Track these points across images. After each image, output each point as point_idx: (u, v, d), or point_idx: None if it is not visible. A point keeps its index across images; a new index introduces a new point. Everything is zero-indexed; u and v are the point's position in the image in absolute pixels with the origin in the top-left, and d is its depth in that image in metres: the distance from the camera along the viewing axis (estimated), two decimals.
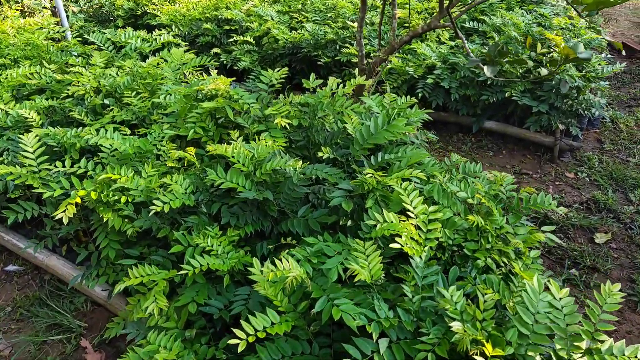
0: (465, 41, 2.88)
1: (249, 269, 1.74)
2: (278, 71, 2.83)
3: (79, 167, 2.24)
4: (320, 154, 2.38)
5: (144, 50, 3.87)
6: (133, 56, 3.78)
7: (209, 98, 2.70)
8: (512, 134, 4.18)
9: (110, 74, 3.32)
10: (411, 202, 1.89)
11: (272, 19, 5.48)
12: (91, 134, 2.27)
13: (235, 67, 5.17)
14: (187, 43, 4.50)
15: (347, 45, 4.71)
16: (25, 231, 2.96)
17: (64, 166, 2.26)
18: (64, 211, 2.09)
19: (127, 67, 3.43)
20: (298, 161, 2.22)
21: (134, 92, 2.96)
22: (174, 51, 3.35)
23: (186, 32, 5.80)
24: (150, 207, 1.99)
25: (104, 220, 2.17)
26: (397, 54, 4.42)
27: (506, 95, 3.95)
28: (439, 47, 4.45)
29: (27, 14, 5.84)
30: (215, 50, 5.43)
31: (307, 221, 2.04)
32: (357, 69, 3.75)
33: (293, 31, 5.20)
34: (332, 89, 2.65)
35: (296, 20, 5.58)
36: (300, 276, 1.60)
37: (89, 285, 2.28)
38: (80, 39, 4.13)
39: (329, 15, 5.39)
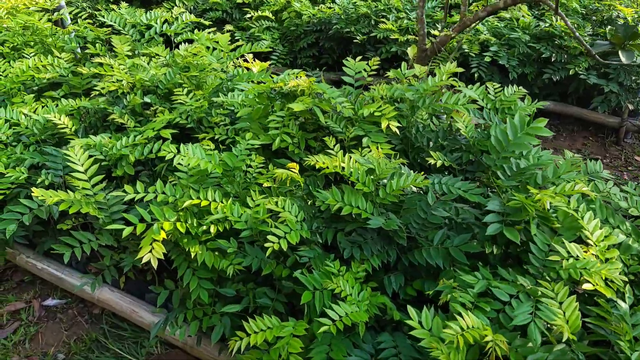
0: (567, 20, 2.53)
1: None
2: (361, 60, 2.42)
3: (156, 192, 1.81)
4: (431, 161, 2.03)
5: (168, 33, 3.36)
6: (159, 41, 3.27)
7: (284, 95, 2.28)
8: (571, 114, 3.89)
9: (141, 65, 2.83)
10: (587, 225, 1.57)
11: None
12: (170, 151, 1.84)
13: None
14: (211, 23, 3.98)
15: (383, 20, 4.28)
16: (60, 255, 2.52)
17: (136, 192, 1.83)
18: (150, 251, 1.69)
19: (162, 56, 2.94)
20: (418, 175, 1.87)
21: (185, 90, 2.50)
22: (220, 37, 2.88)
23: (192, 7, 5.23)
24: (266, 245, 1.61)
25: (192, 255, 1.78)
26: (442, 29, 4.03)
27: (570, 72, 3.64)
28: (487, 20, 4.08)
29: None
30: (228, 27, 4.90)
31: (446, 250, 1.70)
32: (409, 48, 3.35)
33: (320, 5, 4.71)
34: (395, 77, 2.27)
35: None
36: (502, 341, 1.28)
37: (174, 333, 1.90)
38: (91, 21, 3.56)
39: None
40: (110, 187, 2.21)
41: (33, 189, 1.87)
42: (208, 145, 1.98)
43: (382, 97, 2.27)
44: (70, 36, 3.43)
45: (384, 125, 1.99)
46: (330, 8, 4.51)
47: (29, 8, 3.87)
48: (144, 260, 1.67)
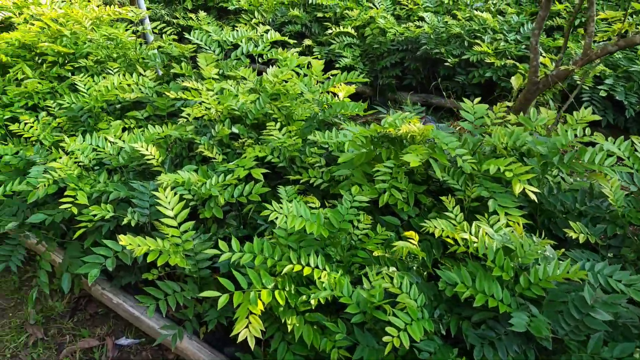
0: None
1: None
2: (473, 100, 2.11)
3: (252, 253, 1.60)
4: (570, 234, 1.70)
5: (254, 53, 3.18)
6: (246, 62, 3.11)
7: (390, 140, 2.02)
8: None
9: (229, 90, 2.66)
10: None
11: (376, 7, 4.70)
12: (273, 210, 1.61)
13: (335, 64, 4.43)
14: (294, 41, 3.79)
15: (477, 41, 3.93)
16: (137, 291, 2.38)
17: (230, 249, 1.63)
18: (247, 325, 1.48)
19: (249, 80, 2.76)
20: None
21: (278, 124, 2.29)
22: (313, 62, 2.66)
23: (270, 19, 5.08)
24: (385, 339, 1.36)
25: (288, 327, 1.56)
26: (545, 55, 3.63)
27: None
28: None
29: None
30: (307, 42, 4.71)
31: None
32: (513, 77, 3.01)
33: (408, 23, 4.41)
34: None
35: (401, 6, 4.78)
36: None
37: None
38: (176, 37, 3.45)
39: (445, 2, 4.57)
40: (198, 229, 2.03)
41: (120, 236, 1.71)
42: (313, 202, 1.75)
43: (504, 147, 1.95)
44: (154, 52, 3.33)
45: (517, 189, 1.68)
46: (419, 27, 4.21)
47: (111, 17, 3.83)
48: (240, 338, 1.46)
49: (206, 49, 3.14)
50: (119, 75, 2.92)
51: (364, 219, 1.71)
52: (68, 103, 2.84)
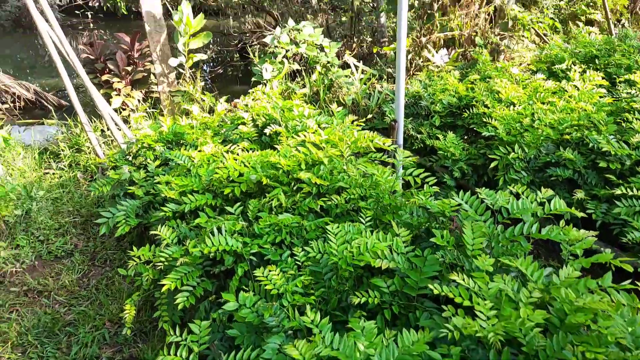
0: None
1: None
2: None
3: None
4: None
5: (534, 237, 2.51)
6: (527, 248, 2.46)
7: None
8: None
9: (506, 296, 2.04)
10: None
11: None
12: None
13: (615, 231, 3.45)
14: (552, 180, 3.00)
15: None
16: None
17: None
18: None
19: (535, 286, 2.09)
20: None
21: None
22: None
23: (531, 156, 4.38)
24: None
25: None
26: None
27: None
28: None
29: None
30: (579, 194, 3.84)
31: None
32: None
33: None
34: None
35: None
36: None
37: None
38: (437, 188, 3.05)
39: None
40: None
41: None
42: None
43: None
44: (407, 201, 2.96)
45: None
46: None
47: (368, 144, 3.66)
48: None
49: (474, 217, 2.61)
50: (371, 232, 2.59)
51: None
52: (314, 252, 2.61)
